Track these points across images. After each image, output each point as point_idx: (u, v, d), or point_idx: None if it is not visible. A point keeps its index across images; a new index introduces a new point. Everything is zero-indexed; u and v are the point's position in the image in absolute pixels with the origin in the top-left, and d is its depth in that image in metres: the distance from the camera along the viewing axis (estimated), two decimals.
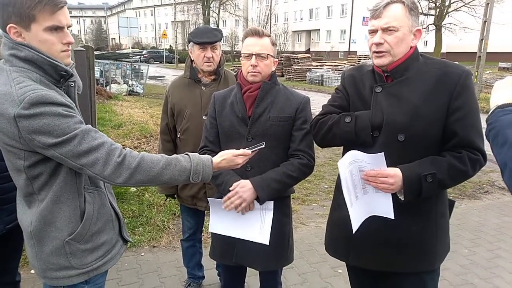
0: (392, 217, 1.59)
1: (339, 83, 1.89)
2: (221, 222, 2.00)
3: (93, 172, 1.36)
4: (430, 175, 1.51)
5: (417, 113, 1.56)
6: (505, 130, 0.97)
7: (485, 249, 3.71)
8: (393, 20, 1.54)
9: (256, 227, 1.94)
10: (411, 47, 1.62)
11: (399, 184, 1.54)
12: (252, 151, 1.71)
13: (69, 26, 1.40)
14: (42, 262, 1.47)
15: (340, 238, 1.82)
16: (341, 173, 1.60)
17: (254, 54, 1.90)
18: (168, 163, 1.46)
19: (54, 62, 1.35)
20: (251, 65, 1.90)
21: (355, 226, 1.63)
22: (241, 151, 1.68)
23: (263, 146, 1.73)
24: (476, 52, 12.72)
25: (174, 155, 1.52)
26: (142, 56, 33.96)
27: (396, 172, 1.54)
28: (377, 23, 1.57)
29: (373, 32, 1.60)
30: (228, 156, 1.64)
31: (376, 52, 1.60)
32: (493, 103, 1.10)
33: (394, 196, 1.59)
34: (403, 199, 1.58)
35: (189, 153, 1.56)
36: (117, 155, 1.37)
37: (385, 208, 1.60)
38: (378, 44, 1.58)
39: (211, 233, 2.13)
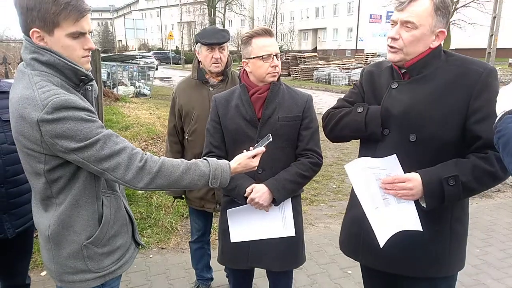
0: (420, 229, 1.49)
1: (358, 79, 1.86)
2: (242, 229, 1.98)
3: (115, 177, 1.36)
4: (452, 177, 1.41)
5: (430, 114, 1.49)
6: None
7: (498, 248, 3.65)
8: (414, 16, 1.46)
9: (279, 223, 1.96)
10: (430, 47, 1.52)
11: (419, 189, 1.45)
12: (264, 146, 1.71)
13: (90, 32, 1.41)
14: (59, 266, 1.47)
15: (352, 237, 1.79)
16: (352, 180, 1.54)
17: (275, 54, 1.87)
18: (188, 168, 1.47)
19: (76, 67, 1.36)
20: (274, 65, 1.88)
21: (381, 240, 1.51)
22: (255, 151, 1.68)
23: (271, 138, 1.73)
24: (485, 49, 12.57)
25: (193, 160, 1.53)
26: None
27: (414, 176, 1.46)
28: (399, 15, 1.50)
29: (393, 24, 1.54)
30: (243, 160, 1.65)
31: (390, 47, 1.55)
32: (500, 109, 1.05)
33: (417, 205, 1.51)
34: (425, 207, 1.48)
35: (207, 158, 1.57)
36: (139, 160, 1.38)
37: (411, 220, 1.50)
38: (393, 39, 1.52)
39: (220, 237, 2.11)
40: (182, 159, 1.53)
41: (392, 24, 1.54)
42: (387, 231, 1.54)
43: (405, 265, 1.63)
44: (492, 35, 12.20)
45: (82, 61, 1.39)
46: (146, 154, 1.43)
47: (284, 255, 2.00)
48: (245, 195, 1.89)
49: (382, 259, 1.67)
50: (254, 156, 1.67)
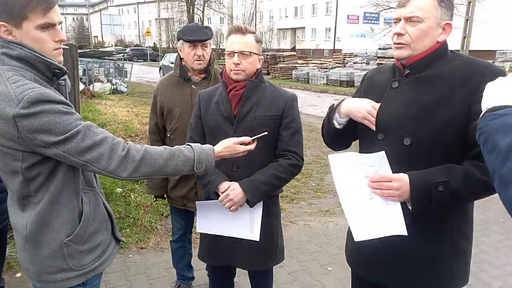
0: (405, 233, 1.43)
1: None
2: (209, 222, 1.99)
3: (98, 168, 1.34)
4: (442, 183, 1.36)
5: (427, 117, 1.43)
6: (494, 135, 0.93)
7: None
8: (418, 10, 1.40)
9: (246, 225, 1.94)
10: (437, 42, 1.46)
11: (405, 190, 1.40)
12: (252, 139, 1.71)
13: (60, 23, 1.37)
14: (38, 266, 1.43)
15: (353, 249, 1.75)
16: (333, 171, 1.53)
17: (237, 52, 1.86)
18: (172, 154, 1.46)
19: (48, 60, 1.33)
20: (234, 63, 1.87)
21: (357, 237, 1.49)
22: (242, 139, 1.68)
23: (267, 133, 1.74)
24: (458, 50, 12.94)
25: (176, 146, 1.52)
26: (125, 54, 33.57)
27: (402, 176, 1.41)
28: (401, 11, 1.44)
29: (396, 21, 1.48)
30: (229, 144, 1.65)
31: (396, 43, 1.48)
32: (484, 106, 1.05)
33: (405, 208, 1.46)
34: (411, 209, 1.44)
35: (190, 144, 1.56)
36: (121, 149, 1.36)
37: (396, 223, 1.44)
38: (399, 35, 1.46)
39: (200, 233, 2.11)
40: (165, 146, 1.51)
41: (395, 22, 1.49)
42: (368, 232, 1.49)
43: (406, 281, 1.57)
44: (465, 37, 12.59)
45: (54, 53, 1.36)
46: (128, 143, 1.41)
47: (257, 254, 1.99)
48: (221, 191, 1.87)
49: (382, 273, 1.62)
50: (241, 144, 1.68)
